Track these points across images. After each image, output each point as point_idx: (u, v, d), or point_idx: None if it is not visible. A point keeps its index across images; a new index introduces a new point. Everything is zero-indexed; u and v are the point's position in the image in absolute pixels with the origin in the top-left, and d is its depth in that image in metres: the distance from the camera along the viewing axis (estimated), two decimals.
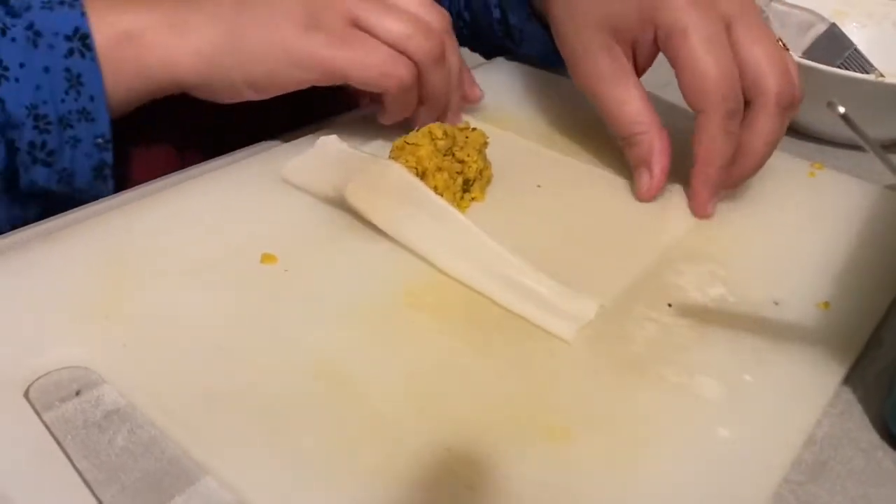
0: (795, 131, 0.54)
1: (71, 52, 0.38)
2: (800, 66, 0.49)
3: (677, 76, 0.40)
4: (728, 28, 0.39)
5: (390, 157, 0.43)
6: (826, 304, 0.36)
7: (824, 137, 0.53)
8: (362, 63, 0.41)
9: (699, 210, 0.42)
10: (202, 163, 0.45)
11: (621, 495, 0.27)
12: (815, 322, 0.36)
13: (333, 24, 0.40)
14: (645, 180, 0.43)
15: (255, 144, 0.47)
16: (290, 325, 0.33)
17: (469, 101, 0.50)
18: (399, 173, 0.39)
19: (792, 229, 0.42)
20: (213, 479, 0.27)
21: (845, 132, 0.53)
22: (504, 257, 0.37)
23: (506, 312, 0.35)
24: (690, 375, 0.32)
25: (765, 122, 0.40)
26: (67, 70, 0.39)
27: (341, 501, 0.26)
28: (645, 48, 0.42)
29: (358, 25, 0.41)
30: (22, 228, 0.39)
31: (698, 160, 0.41)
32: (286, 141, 0.47)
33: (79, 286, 0.34)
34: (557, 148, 0.48)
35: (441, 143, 0.43)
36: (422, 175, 0.41)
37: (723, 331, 0.35)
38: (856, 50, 0.56)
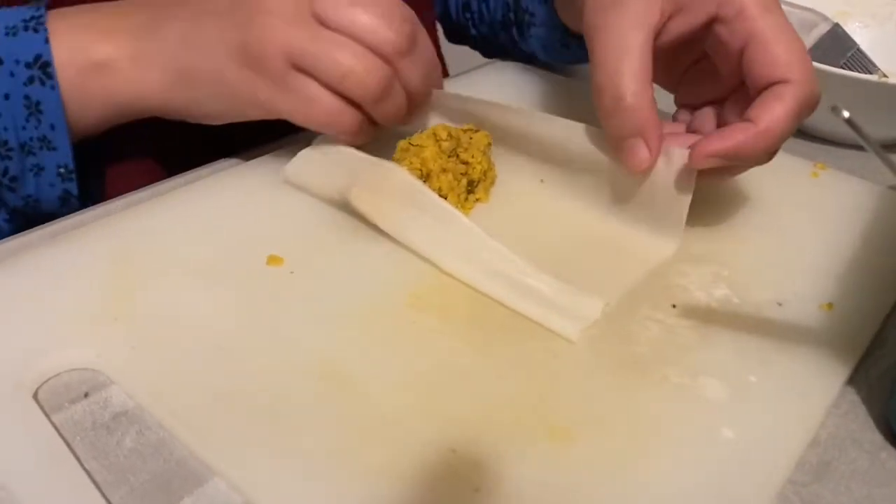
0: (799, 131, 0.54)
1: (31, 80, 0.38)
2: None
3: (751, 49, 0.37)
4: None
5: (394, 159, 0.43)
6: (829, 305, 0.37)
7: (828, 137, 0.53)
8: (302, 113, 0.39)
9: (700, 152, 0.37)
10: (208, 164, 0.46)
11: (624, 496, 0.27)
12: (819, 323, 0.36)
13: (270, 64, 0.37)
14: (643, 153, 0.38)
15: (261, 146, 0.47)
16: (297, 327, 0.33)
17: None
18: (402, 176, 0.39)
19: (795, 230, 0.42)
20: (221, 480, 0.27)
21: (849, 133, 0.53)
22: (508, 259, 0.37)
23: (510, 313, 0.35)
24: (694, 376, 0.32)
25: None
26: (27, 98, 0.38)
27: (347, 502, 0.26)
28: (680, 25, 0.39)
29: (295, 66, 0.38)
30: (29, 231, 0.39)
31: (758, 125, 0.36)
32: (289, 143, 0.47)
33: (87, 288, 0.34)
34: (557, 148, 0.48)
35: (445, 145, 0.43)
36: (426, 176, 0.41)
37: (726, 331, 0.35)
38: (859, 50, 0.56)
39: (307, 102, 0.38)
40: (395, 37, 0.38)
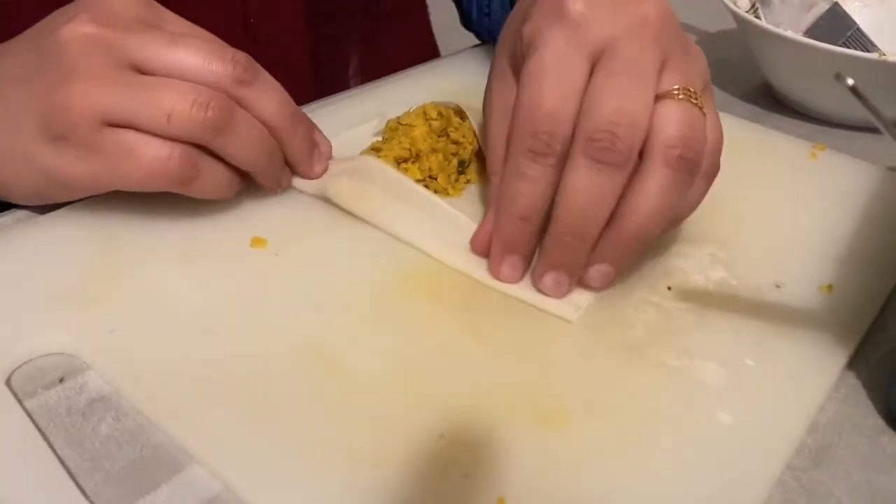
0: (797, 112, 0.54)
1: None
2: (802, 44, 0.48)
3: None
4: (600, 60, 0.32)
5: (384, 138, 0.42)
6: (829, 287, 0.36)
7: (826, 118, 0.52)
8: (122, 171, 0.33)
9: (492, 267, 0.34)
10: None
11: (620, 482, 0.26)
12: (818, 305, 0.35)
13: (78, 132, 0.32)
14: (478, 228, 0.36)
15: None
16: (281, 311, 0.32)
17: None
18: (380, 168, 0.38)
19: (794, 211, 0.41)
20: (200, 467, 0.26)
21: (848, 112, 0.52)
22: None
23: (502, 296, 0.34)
24: (691, 360, 0.31)
25: (571, 174, 0.31)
26: None
27: (332, 489, 0.26)
28: None
29: (110, 122, 0.32)
30: (6, 212, 0.38)
31: (496, 200, 0.34)
32: None
33: (64, 271, 0.33)
34: None
35: (435, 124, 0.42)
36: (415, 157, 0.40)
37: (724, 314, 0.34)
38: (858, 29, 0.55)
39: (125, 156, 0.32)
40: (232, 68, 0.33)
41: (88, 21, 0.32)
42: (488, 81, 0.37)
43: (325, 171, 0.39)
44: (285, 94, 0.36)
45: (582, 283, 0.34)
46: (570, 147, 0.31)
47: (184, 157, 0.33)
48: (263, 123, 0.35)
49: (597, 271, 0.33)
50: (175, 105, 0.32)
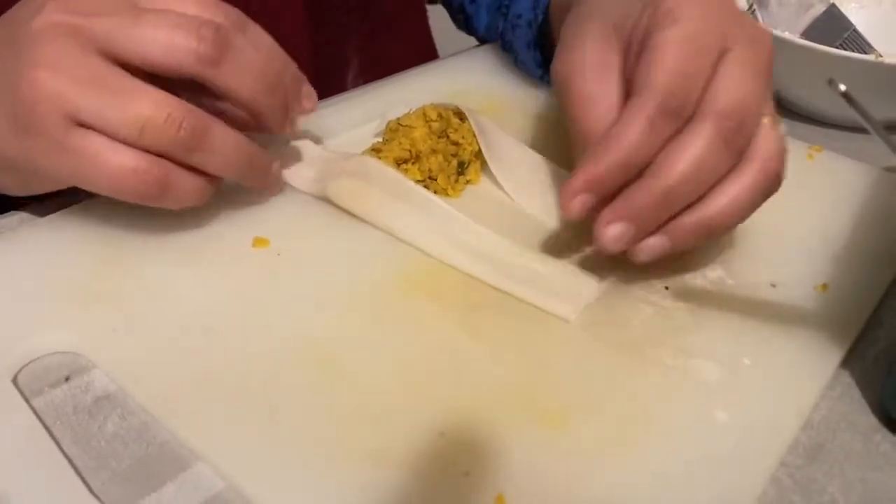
0: (794, 114, 0.54)
1: None
2: (797, 45, 0.48)
3: (639, 61, 0.33)
4: (730, 52, 0.33)
5: (384, 139, 0.42)
6: (824, 287, 0.36)
7: (823, 119, 0.52)
8: (84, 175, 0.32)
9: (564, 197, 0.33)
10: None
11: (618, 479, 0.27)
12: (814, 304, 0.35)
13: (46, 125, 0.31)
14: (576, 201, 0.33)
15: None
16: (283, 310, 0.33)
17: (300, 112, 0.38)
18: (379, 168, 0.38)
19: (790, 212, 0.42)
20: (205, 465, 0.27)
21: (844, 114, 0.52)
22: (496, 241, 0.36)
23: (502, 296, 0.34)
24: (688, 358, 0.32)
25: (693, 138, 0.31)
26: None
27: (334, 487, 0.26)
28: (636, 46, 0.34)
29: (79, 122, 0.31)
30: (10, 213, 0.38)
31: (602, 139, 0.32)
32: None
33: (69, 270, 0.34)
34: (543, 135, 0.48)
35: (435, 125, 0.42)
36: (415, 157, 0.41)
37: (720, 313, 0.34)
38: (855, 31, 0.55)
39: (89, 161, 0.31)
40: (197, 44, 0.32)
41: (56, 10, 0.32)
42: (574, 41, 0.36)
43: (300, 131, 0.39)
44: (263, 61, 0.34)
45: (629, 252, 0.33)
46: (695, 115, 0.32)
47: (151, 171, 0.32)
48: (233, 102, 0.34)
49: (653, 242, 0.33)
50: (150, 118, 0.31)
